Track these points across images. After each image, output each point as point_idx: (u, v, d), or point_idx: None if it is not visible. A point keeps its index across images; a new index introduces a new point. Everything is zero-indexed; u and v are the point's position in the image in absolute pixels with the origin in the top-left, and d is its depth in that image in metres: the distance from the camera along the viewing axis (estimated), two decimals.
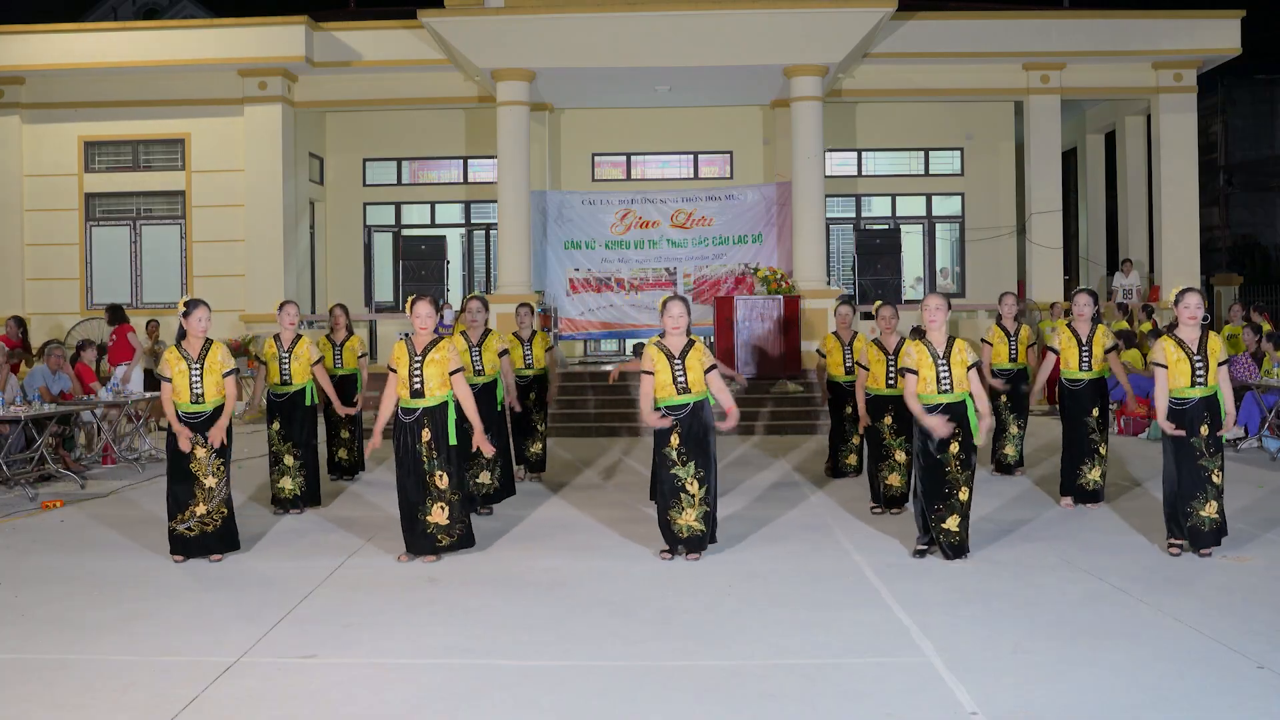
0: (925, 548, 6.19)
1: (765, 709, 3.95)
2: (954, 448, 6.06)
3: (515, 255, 14.48)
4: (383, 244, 17.70)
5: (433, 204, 17.71)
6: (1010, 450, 9.12)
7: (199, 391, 6.28)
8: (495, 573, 6.01)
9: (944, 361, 6.06)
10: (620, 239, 16.32)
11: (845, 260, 17.25)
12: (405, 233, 17.23)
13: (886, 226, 16.91)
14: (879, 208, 17.63)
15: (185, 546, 6.29)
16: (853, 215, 17.49)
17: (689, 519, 6.17)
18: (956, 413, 6.06)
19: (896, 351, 7.20)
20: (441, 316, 13.97)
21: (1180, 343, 6.12)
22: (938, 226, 17.55)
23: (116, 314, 12.99)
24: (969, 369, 6.07)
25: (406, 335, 6.37)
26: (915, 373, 6.10)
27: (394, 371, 6.27)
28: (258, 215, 15.33)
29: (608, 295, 16.22)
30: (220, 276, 15.52)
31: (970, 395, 6.09)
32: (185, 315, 6.31)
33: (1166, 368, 6.14)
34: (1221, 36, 15.35)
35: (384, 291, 17.51)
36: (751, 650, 4.60)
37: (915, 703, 3.97)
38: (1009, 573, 5.84)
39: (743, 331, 13.57)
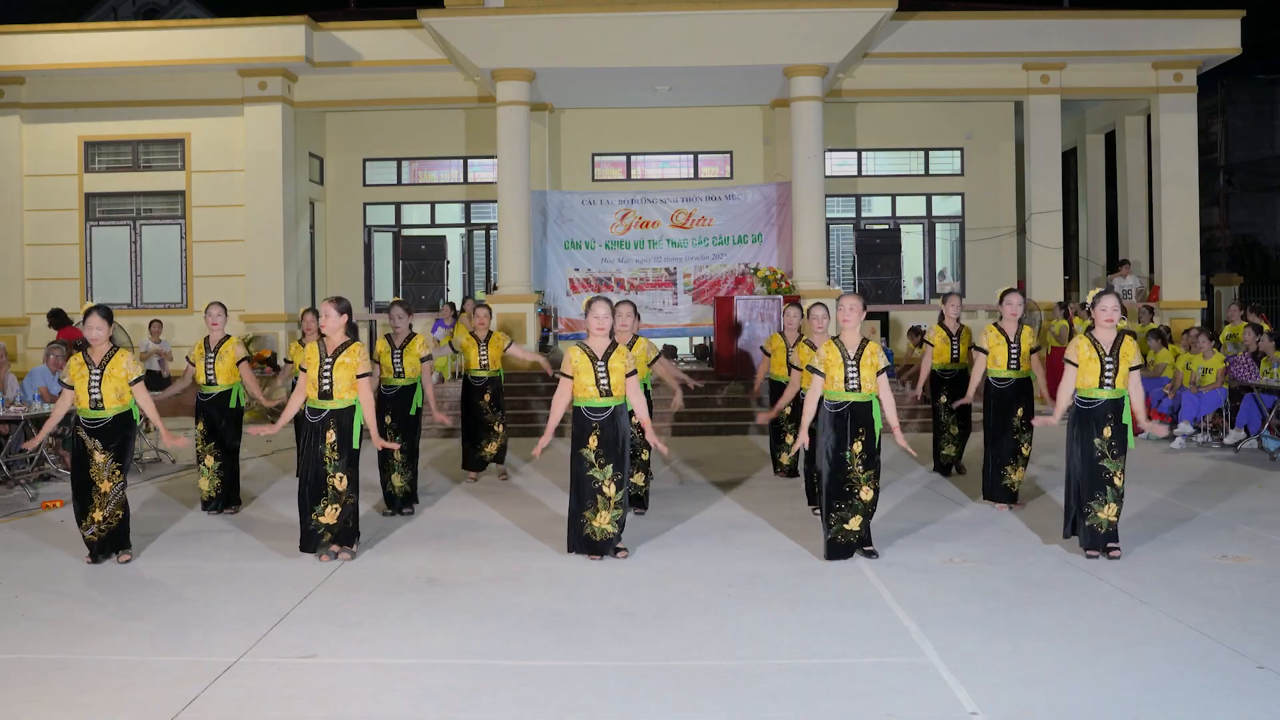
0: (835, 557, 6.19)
1: (765, 709, 3.95)
2: (856, 447, 6.11)
3: (515, 255, 14.49)
4: (383, 244, 17.70)
5: (433, 204, 17.71)
6: (949, 450, 9.12)
7: (97, 398, 6.25)
8: (495, 573, 6.01)
9: (853, 363, 6.12)
10: (620, 239, 16.33)
11: (845, 260, 17.25)
12: (405, 233, 17.25)
13: (886, 226, 16.92)
14: (879, 208, 17.63)
15: (95, 550, 6.29)
16: (853, 215, 17.49)
17: (603, 521, 6.23)
18: (862, 412, 6.13)
19: None
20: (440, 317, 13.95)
21: (1095, 343, 6.17)
22: (938, 226, 17.55)
23: (59, 319, 13.06)
24: (879, 373, 6.14)
25: (322, 336, 6.34)
26: (823, 375, 6.18)
27: (304, 371, 6.30)
28: (258, 215, 15.33)
29: (608, 295, 16.21)
30: (220, 276, 15.52)
31: (878, 398, 6.15)
32: (83, 322, 6.32)
33: (1078, 366, 6.19)
34: (1221, 36, 15.36)
35: (384, 292, 17.50)
36: (751, 650, 4.60)
37: (915, 703, 3.98)
38: (1009, 573, 5.85)
39: (743, 332, 13.58)
